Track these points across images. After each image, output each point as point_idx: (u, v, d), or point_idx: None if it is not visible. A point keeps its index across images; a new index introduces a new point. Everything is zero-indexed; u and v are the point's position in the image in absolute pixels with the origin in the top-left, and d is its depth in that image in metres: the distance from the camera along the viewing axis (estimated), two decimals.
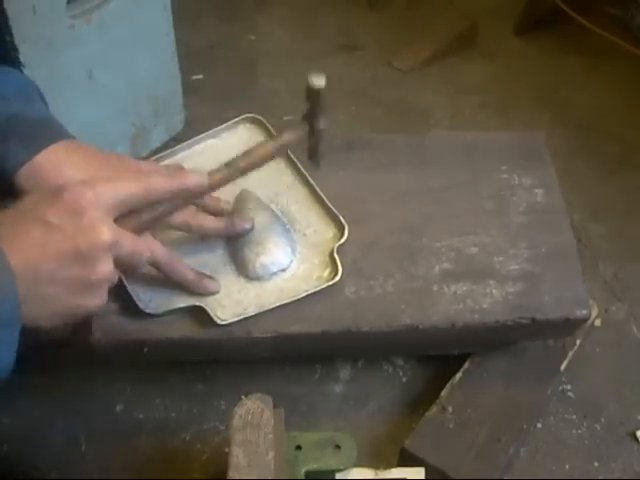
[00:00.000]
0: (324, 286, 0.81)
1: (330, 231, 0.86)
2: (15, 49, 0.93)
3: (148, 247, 0.69)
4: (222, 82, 1.37)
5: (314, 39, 1.47)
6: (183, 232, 0.80)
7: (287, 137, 0.76)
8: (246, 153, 0.76)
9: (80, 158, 0.73)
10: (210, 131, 0.94)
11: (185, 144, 0.93)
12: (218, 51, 1.44)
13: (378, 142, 0.96)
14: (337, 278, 0.81)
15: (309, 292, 0.80)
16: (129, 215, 0.67)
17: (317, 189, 0.87)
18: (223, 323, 0.78)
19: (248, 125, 0.95)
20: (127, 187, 0.64)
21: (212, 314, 0.78)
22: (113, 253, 0.62)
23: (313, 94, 0.73)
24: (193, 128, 1.24)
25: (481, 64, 1.41)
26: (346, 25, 1.50)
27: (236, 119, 0.95)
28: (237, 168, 0.74)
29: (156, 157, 0.91)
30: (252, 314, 0.79)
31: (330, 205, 0.87)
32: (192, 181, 0.70)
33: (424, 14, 1.52)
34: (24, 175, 0.70)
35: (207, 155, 0.92)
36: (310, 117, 0.76)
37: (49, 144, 0.71)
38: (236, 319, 0.78)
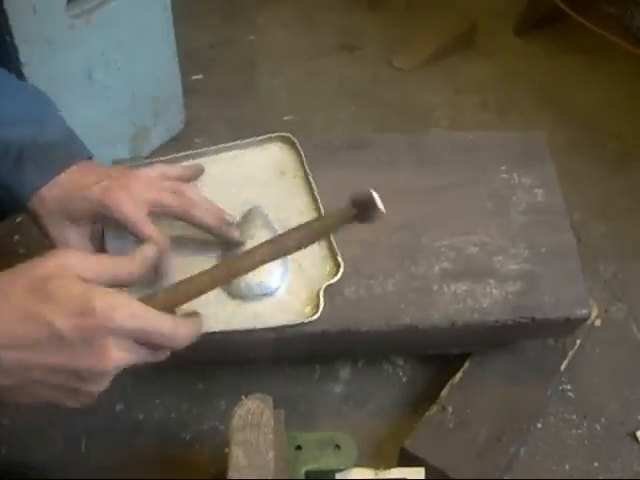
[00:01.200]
0: (299, 322, 0.78)
1: (327, 267, 0.83)
2: (15, 49, 0.93)
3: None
4: (222, 82, 1.37)
5: (314, 39, 1.47)
6: (174, 219, 0.79)
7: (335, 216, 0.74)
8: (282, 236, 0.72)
9: (95, 178, 0.74)
10: (239, 142, 0.92)
11: (213, 149, 0.91)
12: (218, 51, 1.44)
13: (378, 142, 0.96)
14: (315, 317, 0.78)
15: (282, 324, 0.78)
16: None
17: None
18: None
19: (279, 144, 0.93)
20: (148, 321, 0.60)
21: None
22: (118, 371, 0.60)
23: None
24: (193, 128, 1.25)
25: (481, 64, 1.42)
26: (346, 25, 1.51)
27: (268, 135, 0.93)
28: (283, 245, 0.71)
29: (183, 154, 0.89)
30: (216, 330, 0.77)
31: (334, 241, 0.84)
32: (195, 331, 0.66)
33: (424, 14, 1.52)
34: (39, 200, 0.72)
35: (230, 166, 0.91)
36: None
37: (64, 168, 0.73)
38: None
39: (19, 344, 0.55)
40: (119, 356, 0.57)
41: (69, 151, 0.75)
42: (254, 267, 0.70)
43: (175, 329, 0.62)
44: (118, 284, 0.62)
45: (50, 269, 0.57)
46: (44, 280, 0.56)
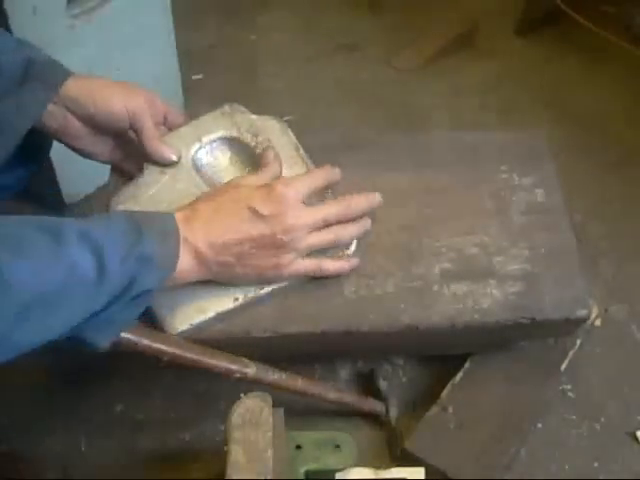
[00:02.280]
0: None
1: None
2: None
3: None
4: (222, 82, 1.37)
5: (314, 39, 1.47)
6: None
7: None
8: None
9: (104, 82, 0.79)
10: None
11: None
12: (218, 51, 1.44)
13: (378, 142, 0.96)
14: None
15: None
16: None
17: None
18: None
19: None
20: (313, 180, 0.78)
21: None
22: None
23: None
24: None
25: (481, 64, 1.42)
26: (346, 25, 1.51)
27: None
28: None
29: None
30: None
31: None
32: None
33: (424, 14, 1.52)
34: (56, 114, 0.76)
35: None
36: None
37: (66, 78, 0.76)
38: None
39: (223, 225, 0.72)
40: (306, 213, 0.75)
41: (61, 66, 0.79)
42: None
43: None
44: None
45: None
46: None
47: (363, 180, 0.92)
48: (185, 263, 0.69)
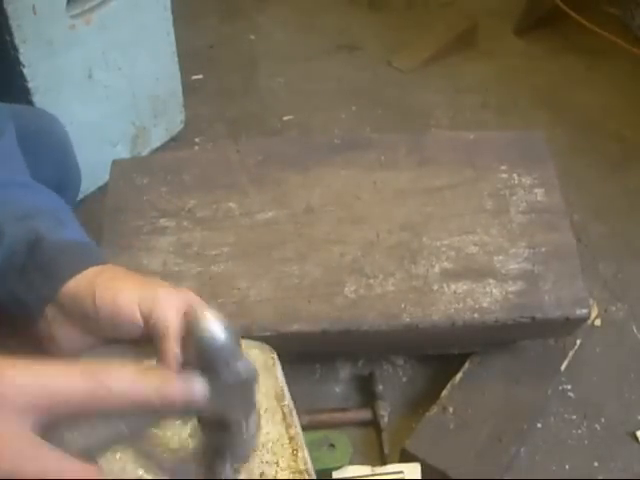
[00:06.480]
0: None
1: None
2: (15, 49, 0.93)
3: None
4: (222, 82, 1.37)
5: (314, 39, 1.47)
6: None
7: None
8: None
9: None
10: None
11: None
12: (218, 51, 1.44)
13: (378, 142, 0.96)
14: None
15: None
16: None
17: None
18: None
19: None
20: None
21: None
22: None
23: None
24: (193, 128, 1.25)
25: (481, 64, 1.42)
26: (346, 25, 1.51)
27: None
28: None
29: None
30: None
31: None
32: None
33: (424, 14, 1.52)
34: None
35: None
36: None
37: (74, 274, 0.55)
38: None
39: None
40: None
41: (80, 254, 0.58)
42: None
43: None
44: None
45: None
46: None
47: (363, 180, 0.92)
48: None
